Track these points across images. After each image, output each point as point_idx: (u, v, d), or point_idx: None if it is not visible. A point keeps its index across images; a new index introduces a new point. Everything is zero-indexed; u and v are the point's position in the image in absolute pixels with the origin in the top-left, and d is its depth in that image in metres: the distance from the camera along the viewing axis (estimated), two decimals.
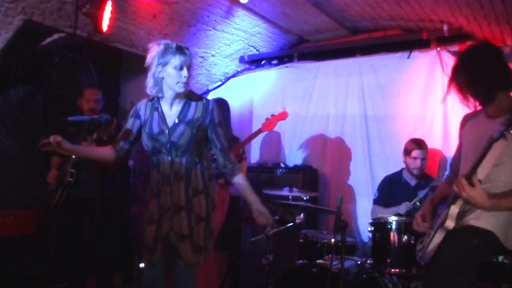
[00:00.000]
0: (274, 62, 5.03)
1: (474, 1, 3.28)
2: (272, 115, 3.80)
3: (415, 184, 3.71)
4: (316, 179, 4.55)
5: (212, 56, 4.73)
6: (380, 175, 4.02)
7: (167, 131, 2.46)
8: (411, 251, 3.07)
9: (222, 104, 3.87)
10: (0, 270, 3.63)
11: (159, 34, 4.09)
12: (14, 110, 4.12)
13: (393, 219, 3.19)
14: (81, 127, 3.33)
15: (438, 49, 4.03)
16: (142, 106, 2.59)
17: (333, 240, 3.16)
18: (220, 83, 5.19)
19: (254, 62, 5.08)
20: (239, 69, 5.14)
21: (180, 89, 2.43)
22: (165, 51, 2.41)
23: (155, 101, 2.55)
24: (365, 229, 4.12)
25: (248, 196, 2.58)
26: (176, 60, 2.39)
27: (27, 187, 4.14)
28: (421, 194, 3.54)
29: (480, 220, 2.08)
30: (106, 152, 2.62)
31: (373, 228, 3.30)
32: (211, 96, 5.13)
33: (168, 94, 2.49)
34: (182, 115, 2.49)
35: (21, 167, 4.13)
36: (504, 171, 2.08)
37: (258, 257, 3.66)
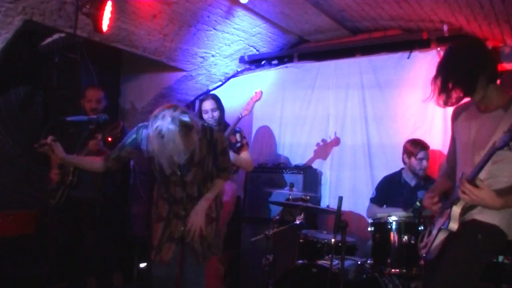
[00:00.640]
0: (274, 62, 5.03)
1: (474, 1, 3.28)
2: (250, 98, 3.84)
3: (415, 185, 3.71)
4: (316, 179, 4.55)
5: (212, 56, 4.73)
6: (380, 175, 4.02)
7: (178, 173, 2.56)
8: (411, 251, 3.08)
9: (216, 99, 3.89)
10: (0, 270, 3.63)
11: (159, 34, 4.09)
12: (14, 110, 4.12)
13: (393, 219, 3.19)
14: (83, 127, 3.35)
15: (438, 49, 4.03)
16: (143, 137, 2.54)
17: (333, 240, 3.17)
18: (220, 83, 5.19)
19: (254, 62, 5.08)
20: (239, 69, 5.14)
21: (182, 157, 2.41)
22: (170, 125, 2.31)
23: None
24: (365, 229, 4.11)
25: (204, 197, 2.63)
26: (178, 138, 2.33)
27: (27, 187, 4.14)
28: (421, 194, 3.54)
29: (484, 214, 2.07)
30: (95, 165, 2.67)
31: (373, 228, 3.30)
32: None
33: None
34: (190, 156, 2.48)
35: (21, 167, 4.13)
36: (506, 167, 2.06)
37: (258, 257, 3.66)
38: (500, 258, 2.83)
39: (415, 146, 3.66)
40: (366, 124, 4.38)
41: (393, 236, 3.15)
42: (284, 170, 4.48)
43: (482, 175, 2.00)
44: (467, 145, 2.20)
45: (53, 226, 3.65)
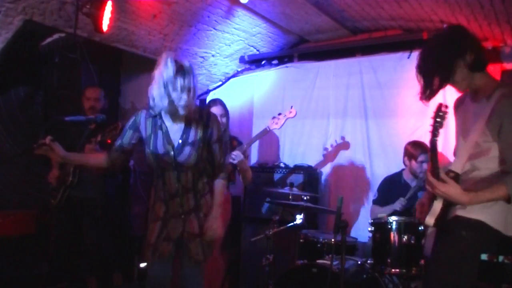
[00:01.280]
0: (274, 62, 5.02)
1: (474, 1, 3.28)
2: (280, 114, 3.78)
3: (415, 185, 3.70)
4: (316, 179, 4.55)
5: (212, 56, 4.73)
6: (380, 175, 4.02)
7: (172, 153, 2.50)
8: (411, 251, 3.08)
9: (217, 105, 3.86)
10: (0, 270, 3.63)
11: (159, 34, 4.09)
12: (14, 110, 4.12)
13: (393, 219, 3.19)
14: (80, 127, 3.34)
15: None
16: (142, 120, 2.57)
17: (333, 240, 3.17)
18: (220, 83, 5.19)
19: (254, 62, 5.08)
20: (239, 69, 5.14)
21: (181, 111, 2.40)
22: (169, 69, 2.34)
23: (157, 118, 2.53)
24: (365, 229, 4.11)
25: (215, 204, 2.61)
26: (175, 80, 2.33)
27: (27, 187, 4.14)
28: (421, 195, 3.54)
29: (467, 209, 2.01)
30: (98, 161, 2.66)
31: (373, 228, 3.30)
32: (211, 96, 5.13)
33: (170, 111, 2.46)
34: (185, 135, 2.51)
35: (21, 167, 4.13)
36: (487, 159, 2.03)
37: (258, 257, 3.66)
38: (500, 258, 2.82)
39: (416, 149, 3.66)
40: (366, 124, 4.38)
41: (393, 236, 3.15)
42: (284, 170, 4.48)
43: (463, 169, 1.97)
44: (458, 135, 2.20)
45: (53, 226, 3.66)
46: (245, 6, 4.03)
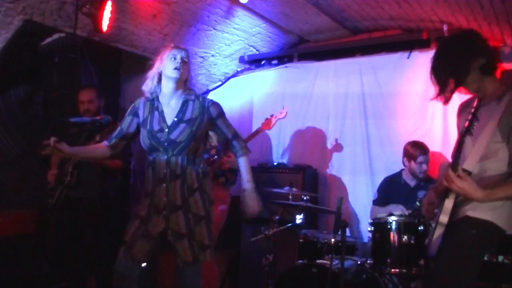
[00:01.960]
0: (274, 62, 5.03)
1: (474, 1, 3.29)
2: (272, 115, 3.80)
3: (415, 185, 3.71)
4: (316, 179, 4.55)
5: (212, 56, 4.73)
6: (380, 175, 4.03)
7: (166, 130, 2.51)
8: (411, 251, 3.08)
9: None
10: (0, 270, 3.63)
11: (159, 34, 4.09)
12: (14, 110, 4.11)
13: (393, 219, 3.19)
14: (83, 128, 3.34)
15: None
16: (141, 105, 2.65)
17: (333, 240, 3.17)
18: (220, 83, 5.19)
19: (254, 62, 5.08)
20: (239, 69, 5.14)
21: (174, 74, 2.53)
22: (164, 51, 2.58)
23: (154, 100, 2.61)
24: (365, 229, 4.12)
25: (245, 181, 2.67)
26: (171, 53, 2.56)
27: (27, 187, 4.13)
28: (421, 194, 3.54)
29: (477, 210, 2.06)
30: (102, 151, 2.68)
31: (373, 228, 3.30)
32: (211, 96, 5.13)
33: (167, 88, 2.58)
34: (180, 113, 2.56)
35: (21, 167, 4.13)
36: (496, 161, 2.07)
37: (258, 257, 3.66)
38: (500, 258, 2.83)
39: (415, 150, 3.66)
40: (366, 124, 4.38)
41: (393, 236, 3.15)
42: (284, 170, 4.48)
43: (474, 169, 2.00)
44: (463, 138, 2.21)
45: (53, 226, 3.65)
46: (244, 6, 4.03)
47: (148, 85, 2.60)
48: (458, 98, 2.29)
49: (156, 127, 2.53)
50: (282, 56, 5.02)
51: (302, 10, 4.04)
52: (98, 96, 3.74)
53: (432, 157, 3.79)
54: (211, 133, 3.64)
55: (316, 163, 4.62)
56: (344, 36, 4.64)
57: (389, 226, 3.18)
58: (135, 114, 2.64)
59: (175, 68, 2.52)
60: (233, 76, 5.18)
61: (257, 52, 4.98)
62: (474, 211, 2.07)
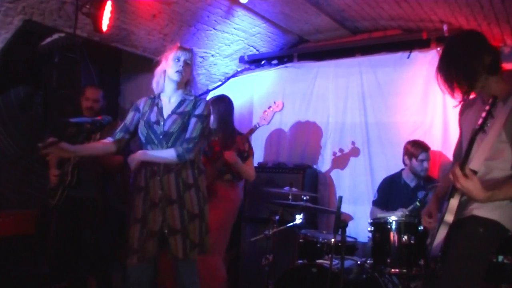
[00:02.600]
0: (274, 62, 5.02)
1: (474, 1, 3.29)
2: (269, 107, 3.77)
3: (415, 185, 3.71)
4: (316, 179, 4.55)
5: (212, 56, 4.73)
6: (380, 175, 4.03)
7: (162, 122, 2.61)
8: (411, 251, 3.08)
9: (221, 100, 3.83)
10: (0, 270, 3.63)
11: (159, 34, 4.09)
12: (14, 110, 4.11)
13: (393, 219, 3.19)
14: (82, 128, 3.33)
15: (438, 49, 4.03)
16: (142, 101, 2.78)
17: (333, 240, 3.17)
18: (220, 83, 5.19)
19: (254, 62, 5.08)
20: (239, 69, 5.14)
21: (175, 77, 2.62)
22: (170, 51, 2.69)
23: (155, 97, 2.73)
24: (365, 229, 4.11)
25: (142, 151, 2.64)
26: (176, 54, 2.65)
27: (27, 187, 4.14)
28: (421, 195, 3.54)
29: (484, 209, 2.07)
30: (106, 146, 2.72)
31: (373, 228, 3.30)
32: (210, 96, 5.13)
33: (169, 87, 2.68)
34: (177, 109, 2.65)
35: (21, 167, 4.13)
36: (502, 160, 2.08)
37: (258, 257, 3.66)
38: (500, 258, 2.83)
39: (416, 148, 3.66)
40: (365, 123, 4.38)
41: (393, 236, 3.15)
42: (284, 170, 4.48)
43: (480, 169, 2.00)
44: (468, 136, 2.21)
45: (53, 226, 3.65)
46: (244, 6, 4.03)
47: (158, 83, 2.71)
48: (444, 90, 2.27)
49: (153, 119, 2.63)
50: (282, 56, 5.01)
51: (302, 10, 4.04)
52: (103, 97, 3.77)
53: (432, 157, 3.79)
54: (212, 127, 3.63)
55: (316, 163, 4.62)
56: (344, 36, 4.64)
57: (389, 226, 3.18)
58: (137, 109, 2.76)
59: (177, 71, 2.61)
60: (233, 76, 5.18)
61: (257, 52, 4.98)
62: (481, 210, 2.08)
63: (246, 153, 3.77)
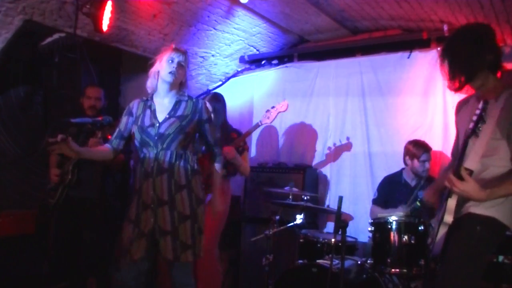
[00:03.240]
0: (274, 62, 5.02)
1: (474, 1, 3.29)
2: (273, 107, 3.77)
3: (415, 185, 3.71)
4: (316, 179, 4.55)
5: (212, 56, 4.73)
6: (380, 175, 4.02)
7: (157, 124, 2.59)
8: (411, 251, 3.08)
9: (215, 98, 3.84)
10: (0, 270, 3.63)
11: (159, 34, 4.09)
12: (14, 110, 4.12)
13: (393, 219, 3.19)
14: (83, 128, 3.34)
15: (438, 49, 4.02)
16: (135, 104, 2.75)
17: (333, 240, 3.17)
18: (220, 83, 5.19)
19: (254, 62, 5.08)
20: (239, 69, 5.14)
21: (168, 78, 2.61)
22: (165, 52, 2.67)
23: (148, 100, 2.71)
24: (365, 229, 4.11)
25: (215, 182, 2.84)
26: (170, 55, 2.63)
27: (27, 187, 4.14)
28: (421, 194, 3.53)
29: (480, 207, 2.07)
30: (104, 153, 2.75)
31: (373, 228, 3.30)
32: None
33: (162, 88, 2.67)
34: (172, 111, 2.64)
35: (21, 167, 4.13)
36: (498, 158, 2.08)
37: (258, 257, 3.66)
38: (500, 258, 2.83)
39: (418, 149, 3.66)
40: (366, 123, 4.38)
41: (393, 236, 3.15)
42: (284, 170, 4.47)
43: (476, 167, 2.01)
44: (462, 136, 2.22)
45: (53, 226, 3.65)
46: (245, 6, 4.03)
47: (152, 83, 2.69)
48: (458, 96, 2.29)
49: (147, 123, 2.62)
50: (282, 56, 5.01)
51: (302, 10, 4.04)
52: (105, 96, 3.78)
53: (432, 157, 3.79)
54: None
55: (316, 163, 4.62)
56: (344, 36, 4.64)
57: (389, 226, 3.18)
58: (130, 113, 2.74)
59: (170, 72, 2.61)
60: (233, 76, 5.18)
61: (257, 52, 4.98)
62: (477, 208, 2.08)
63: (241, 148, 3.79)
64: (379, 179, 3.98)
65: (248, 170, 3.83)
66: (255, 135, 4.93)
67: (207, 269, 3.45)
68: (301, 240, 3.57)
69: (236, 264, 4.51)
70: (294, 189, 3.69)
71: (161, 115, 2.63)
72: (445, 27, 3.84)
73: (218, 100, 3.82)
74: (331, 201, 4.48)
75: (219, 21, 4.19)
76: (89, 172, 3.54)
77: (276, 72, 4.99)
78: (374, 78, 4.38)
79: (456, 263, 2.08)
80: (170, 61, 2.61)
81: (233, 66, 5.07)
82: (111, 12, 3.44)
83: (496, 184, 2.01)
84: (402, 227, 3.15)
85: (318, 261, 3.30)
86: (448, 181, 2.02)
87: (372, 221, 3.36)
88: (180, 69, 2.63)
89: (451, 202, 2.10)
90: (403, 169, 3.82)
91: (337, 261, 3.06)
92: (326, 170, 4.58)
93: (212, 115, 3.60)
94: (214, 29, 4.30)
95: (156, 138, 2.57)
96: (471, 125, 1.99)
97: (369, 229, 3.34)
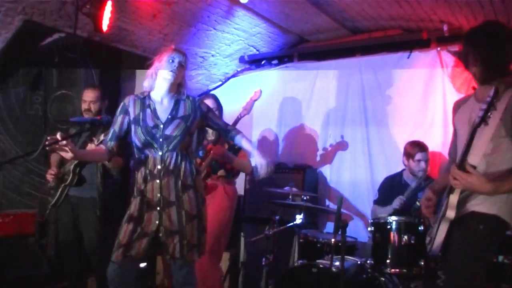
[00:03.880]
0: (274, 62, 5.02)
1: (474, 1, 3.29)
2: (250, 98, 3.73)
3: (416, 186, 3.70)
4: (316, 179, 4.55)
5: (212, 56, 4.73)
6: (380, 175, 4.02)
7: (161, 126, 2.57)
8: (411, 251, 3.08)
9: (213, 99, 3.83)
10: (0, 270, 3.63)
11: (159, 34, 4.09)
12: (14, 110, 4.12)
13: (393, 219, 3.19)
14: (84, 128, 3.34)
15: (438, 49, 4.03)
16: (131, 103, 2.69)
17: (333, 240, 3.17)
18: (220, 83, 5.19)
19: (254, 62, 5.08)
20: (239, 69, 5.14)
21: (169, 76, 2.60)
22: (165, 52, 2.67)
23: (146, 98, 2.67)
24: (365, 229, 4.11)
25: (250, 150, 2.88)
26: (171, 55, 2.63)
27: (27, 187, 4.13)
28: (421, 195, 3.53)
29: (484, 205, 2.07)
30: (100, 153, 2.71)
31: (373, 228, 3.30)
32: None
33: (161, 88, 2.65)
34: (174, 111, 2.63)
35: (22, 167, 4.13)
36: (503, 155, 2.08)
37: (258, 257, 3.66)
38: (500, 258, 2.83)
39: (414, 148, 3.66)
40: (366, 123, 4.38)
41: (393, 236, 3.15)
42: (284, 170, 4.47)
43: (479, 164, 2.00)
44: (465, 135, 2.21)
45: (53, 226, 3.65)
46: (245, 6, 4.03)
47: (148, 82, 2.68)
48: (458, 96, 2.30)
49: (150, 124, 2.59)
50: (282, 56, 5.01)
51: (302, 10, 4.04)
52: (102, 98, 3.71)
53: (432, 157, 3.79)
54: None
55: (316, 163, 4.62)
56: (344, 36, 4.64)
57: (389, 226, 3.18)
58: (126, 112, 2.68)
59: (171, 71, 2.60)
60: (233, 76, 5.18)
61: (257, 52, 4.98)
62: (480, 206, 2.08)
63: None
64: (379, 179, 3.98)
65: (249, 167, 3.77)
66: (255, 135, 4.93)
67: (204, 273, 3.40)
68: (301, 240, 3.57)
69: (236, 264, 4.51)
70: (294, 189, 3.69)
71: (162, 115, 2.61)
72: (445, 27, 3.84)
73: (211, 99, 3.80)
74: (331, 201, 4.48)
75: (219, 21, 4.19)
76: (90, 172, 3.54)
77: (276, 72, 4.99)
78: (374, 78, 4.38)
79: (460, 262, 2.07)
80: (171, 61, 2.62)
81: (233, 66, 5.07)
82: (111, 12, 3.44)
83: (503, 178, 2.00)
84: (402, 227, 3.15)
85: (318, 261, 3.30)
86: (452, 175, 2.01)
87: (372, 221, 3.36)
88: (180, 69, 2.64)
89: (453, 198, 2.09)
90: (403, 170, 3.82)
91: (337, 261, 3.06)
92: (326, 170, 4.58)
93: (217, 113, 3.61)
94: (214, 29, 4.30)
95: (161, 140, 2.55)
96: (480, 113, 1.94)
97: (369, 229, 3.34)
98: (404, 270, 3.08)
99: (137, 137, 2.59)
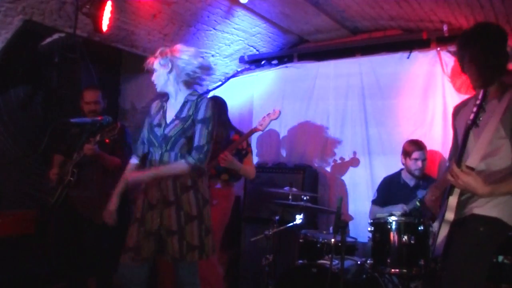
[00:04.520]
0: (274, 62, 5.02)
1: (474, 1, 3.29)
2: (267, 114, 3.77)
3: (414, 185, 3.71)
4: (316, 179, 4.55)
5: (212, 56, 4.73)
6: (380, 175, 4.03)
7: (163, 125, 2.62)
8: (411, 251, 3.08)
9: (215, 102, 3.82)
10: (0, 270, 3.63)
11: (159, 34, 4.09)
12: (14, 110, 4.12)
13: (393, 219, 3.19)
14: (84, 128, 3.34)
15: (438, 49, 4.04)
16: (154, 105, 2.81)
17: (333, 240, 3.17)
18: (220, 83, 5.18)
19: (254, 62, 5.08)
20: (239, 69, 5.14)
21: (185, 76, 2.62)
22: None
23: (163, 101, 2.75)
24: (365, 229, 4.12)
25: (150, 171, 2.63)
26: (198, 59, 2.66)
27: (27, 187, 4.14)
28: (421, 194, 3.53)
29: (484, 208, 2.07)
30: (135, 167, 2.77)
31: (373, 228, 3.30)
32: (210, 96, 5.13)
33: (172, 89, 2.67)
34: (179, 112, 2.64)
35: (21, 167, 4.13)
36: (502, 157, 2.08)
37: (258, 257, 3.66)
38: (500, 258, 2.83)
39: (411, 146, 3.67)
40: (366, 124, 4.38)
41: (393, 236, 3.16)
42: (284, 170, 4.48)
43: (478, 166, 2.01)
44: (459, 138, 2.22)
45: (53, 226, 3.65)
46: (244, 6, 4.03)
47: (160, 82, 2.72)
48: (457, 96, 2.30)
49: (155, 122, 2.66)
50: (282, 56, 5.01)
51: (302, 10, 4.05)
52: (102, 97, 3.74)
53: (432, 157, 3.79)
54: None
55: (316, 163, 4.62)
56: (344, 36, 4.64)
57: (389, 226, 3.18)
58: (149, 115, 2.78)
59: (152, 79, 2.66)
60: (233, 76, 5.18)
61: (257, 52, 4.98)
62: (481, 209, 2.08)
63: (245, 151, 3.77)
64: (378, 179, 3.98)
65: (253, 173, 3.79)
66: (255, 135, 4.92)
67: (205, 272, 3.41)
68: (301, 240, 3.57)
69: (236, 264, 4.51)
70: (294, 189, 3.69)
71: (169, 116, 2.66)
72: (445, 27, 3.84)
73: (216, 103, 3.79)
74: (331, 201, 4.48)
75: (219, 21, 4.19)
76: (90, 172, 3.54)
77: (276, 72, 4.99)
78: (374, 78, 4.38)
79: (461, 264, 2.08)
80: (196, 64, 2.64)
81: (233, 66, 5.07)
82: (111, 12, 3.44)
83: (500, 180, 2.01)
84: (402, 227, 3.15)
85: (318, 261, 3.31)
86: (451, 173, 2.01)
87: (371, 221, 3.37)
88: (161, 71, 2.65)
89: (452, 200, 2.09)
90: (402, 169, 3.83)
91: (337, 261, 3.06)
92: (326, 170, 4.58)
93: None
94: (214, 29, 4.30)
95: (161, 139, 2.59)
96: (471, 116, 1.95)
97: (369, 229, 3.34)
98: (404, 270, 3.08)
99: (145, 134, 2.72)
